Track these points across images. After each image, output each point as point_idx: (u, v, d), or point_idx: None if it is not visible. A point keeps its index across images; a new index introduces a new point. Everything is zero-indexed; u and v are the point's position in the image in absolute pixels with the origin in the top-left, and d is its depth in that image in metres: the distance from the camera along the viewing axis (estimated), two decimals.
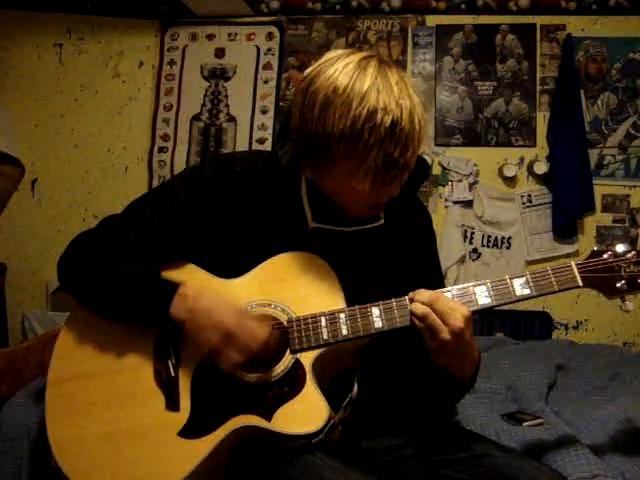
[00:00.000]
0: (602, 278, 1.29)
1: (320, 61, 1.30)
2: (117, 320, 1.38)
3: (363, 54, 1.27)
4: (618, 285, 1.28)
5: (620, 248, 1.30)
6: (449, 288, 1.30)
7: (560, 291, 1.29)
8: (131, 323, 1.37)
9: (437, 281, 1.51)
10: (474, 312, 1.28)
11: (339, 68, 1.23)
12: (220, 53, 3.93)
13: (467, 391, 1.42)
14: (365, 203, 1.33)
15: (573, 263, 1.30)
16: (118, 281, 1.35)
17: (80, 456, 1.31)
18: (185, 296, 1.31)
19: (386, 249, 1.46)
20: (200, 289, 1.33)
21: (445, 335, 1.21)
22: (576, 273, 1.28)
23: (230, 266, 1.40)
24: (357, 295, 1.34)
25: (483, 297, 1.28)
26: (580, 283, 1.28)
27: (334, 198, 1.36)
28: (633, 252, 1.29)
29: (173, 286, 1.32)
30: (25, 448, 1.54)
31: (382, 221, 1.43)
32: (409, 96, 1.23)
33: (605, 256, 1.30)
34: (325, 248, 1.39)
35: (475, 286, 1.30)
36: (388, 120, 1.19)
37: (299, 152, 1.32)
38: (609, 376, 2.32)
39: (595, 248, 1.32)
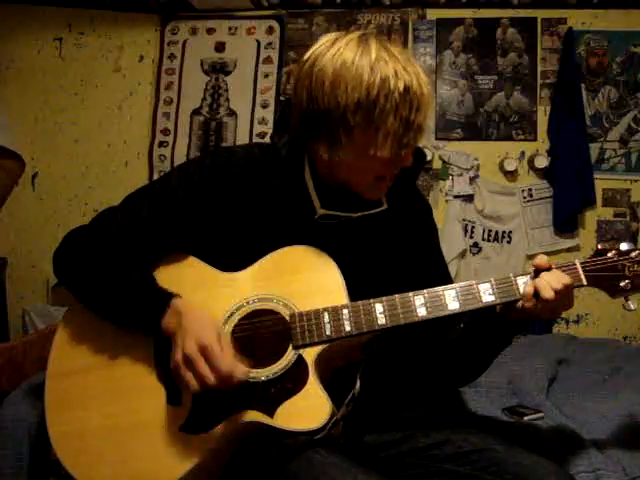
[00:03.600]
0: (606, 277, 1.28)
1: (317, 45, 1.32)
2: (107, 318, 1.38)
3: (360, 32, 1.31)
4: (622, 284, 1.28)
5: (624, 247, 1.29)
6: (452, 285, 1.31)
7: None
8: (121, 326, 1.37)
9: (442, 268, 1.52)
10: (478, 310, 1.29)
11: (342, 45, 1.27)
12: (220, 47, 3.92)
13: (509, 335, 1.40)
14: (376, 176, 1.34)
15: (577, 261, 1.30)
16: (111, 285, 1.35)
17: (80, 450, 1.31)
18: (173, 314, 1.29)
19: (391, 235, 1.46)
20: (186, 307, 1.31)
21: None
22: (580, 272, 1.29)
23: (234, 259, 1.40)
24: (364, 283, 1.34)
25: (487, 295, 1.28)
26: (584, 282, 1.28)
27: (346, 176, 1.36)
28: (637, 251, 1.28)
29: (163, 303, 1.31)
30: (25, 442, 1.54)
31: (385, 205, 1.44)
32: (412, 63, 1.28)
33: (609, 255, 1.29)
34: (332, 235, 1.39)
35: (479, 284, 1.30)
36: (401, 85, 1.23)
37: (310, 134, 1.32)
38: (610, 370, 2.32)
39: (599, 246, 1.32)
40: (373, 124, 1.24)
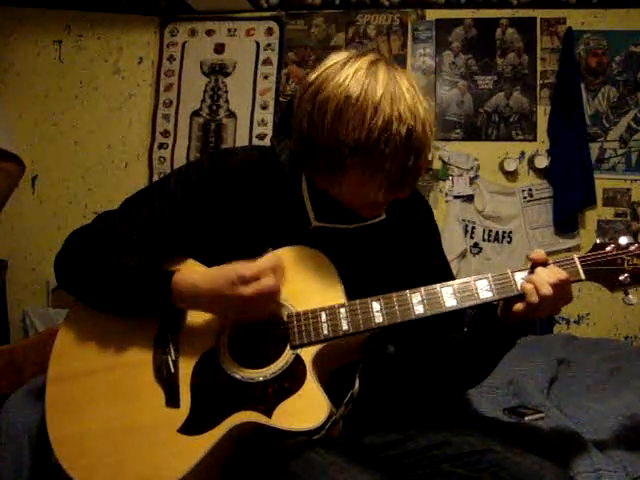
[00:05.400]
0: (605, 271, 1.27)
1: (325, 65, 1.26)
2: (117, 313, 1.38)
3: (370, 57, 1.25)
4: (621, 278, 1.27)
5: (623, 240, 1.28)
6: (450, 282, 1.30)
7: None
8: (131, 315, 1.38)
9: (445, 270, 1.51)
10: (476, 307, 1.29)
11: (349, 74, 1.21)
12: (220, 49, 3.93)
13: (510, 341, 1.38)
14: (373, 204, 1.32)
15: (575, 256, 1.29)
16: (115, 274, 1.35)
17: (81, 453, 1.30)
18: (182, 282, 1.31)
19: (389, 243, 1.45)
20: (192, 272, 1.34)
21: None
22: (579, 266, 1.28)
23: (232, 262, 1.39)
24: (362, 291, 1.33)
25: (484, 291, 1.28)
26: (583, 276, 1.27)
27: (341, 199, 1.34)
28: (636, 245, 1.27)
29: (169, 275, 1.32)
30: (26, 445, 1.54)
31: (384, 216, 1.43)
32: (420, 102, 1.22)
33: (608, 249, 1.28)
34: (327, 246, 1.38)
35: (476, 280, 1.29)
36: (404, 130, 1.18)
37: (306, 159, 1.30)
38: (610, 370, 2.32)
39: (598, 241, 1.31)
40: (370, 167, 1.20)
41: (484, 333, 1.37)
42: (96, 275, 1.37)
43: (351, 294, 1.33)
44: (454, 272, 3.56)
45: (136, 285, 1.34)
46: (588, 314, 3.60)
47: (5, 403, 1.63)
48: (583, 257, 1.29)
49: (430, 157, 3.66)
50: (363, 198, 1.29)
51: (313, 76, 1.27)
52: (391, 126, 1.18)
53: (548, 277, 1.24)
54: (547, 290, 1.23)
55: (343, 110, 1.19)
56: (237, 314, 1.32)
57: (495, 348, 1.39)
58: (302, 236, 1.39)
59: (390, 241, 1.45)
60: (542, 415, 1.74)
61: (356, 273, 1.38)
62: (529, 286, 1.25)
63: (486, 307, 1.32)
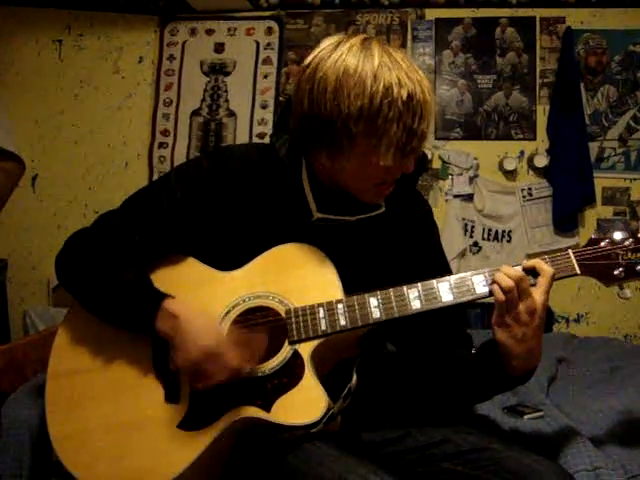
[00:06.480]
0: (600, 266, 1.28)
1: (319, 48, 1.30)
2: (108, 322, 1.39)
3: (362, 36, 1.29)
4: (616, 272, 1.28)
5: (618, 235, 1.30)
6: (446, 278, 1.31)
7: (558, 279, 1.28)
8: (118, 327, 1.38)
9: (444, 269, 1.51)
10: (472, 302, 1.30)
11: (344, 51, 1.25)
12: (219, 48, 3.93)
13: (508, 387, 1.40)
14: (378, 182, 1.34)
15: (571, 251, 1.30)
16: (109, 286, 1.35)
17: (81, 450, 1.31)
18: (168, 316, 1.30)
19: (389, 237, 1.46)
20: (181, 309, 1.31)
21: (520, 314, 1.24)
22: (574, 261, 1.28)
23: (232, 259, 1.40)
24: (362, 285, 1.34)
25: (481, 286, 1.29)
26: (578, 271, 1.28)
27: (347, 182, 1.35)
28: (631, 239, 1.28)
29: (156, 304, 1.31)
30: (26, 443, 1.54)
31: (383, 209, 1.44)
32: (416, 70, 1.27)
33: (603, 244, 1.29)
34: (329, 238, 1.39)
35: (473, 275, 1.30)
36: (404, 93, 1.22)
37: (311, 140, 1.31)
38: (610, 369, 2.32)
39: (593, 236, 1.32)
40: (376, 133, 1.23)
41: (483, 379, 1.38)
42: (92, 283, 1.38)
43: (350, 287, 1.34)
44: (454, 271, 3.56)
45: (126, 299, 1.34)
46: (587, 313, 3.60)
47: (6, 401, 1.63)
48: (578, 252, 1.29)
49: (430, 155, 3.66)
50: (371, 172, 1.30)
51: (309, 59, 1.31)
52: (392, 91, 1.21)
53: (507, 270, 1.25)
54: (506, 282, 1.23)
55: (343, 82, 1.22)
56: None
57: (490, 391, 1.43)
58: (303, 230, 1.39)
59: (389, 235, 1.46)
60: (541, 414, 1.74)
61: (355, 266, 1.39)
62: (493, 286, 1.26)
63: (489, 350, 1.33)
